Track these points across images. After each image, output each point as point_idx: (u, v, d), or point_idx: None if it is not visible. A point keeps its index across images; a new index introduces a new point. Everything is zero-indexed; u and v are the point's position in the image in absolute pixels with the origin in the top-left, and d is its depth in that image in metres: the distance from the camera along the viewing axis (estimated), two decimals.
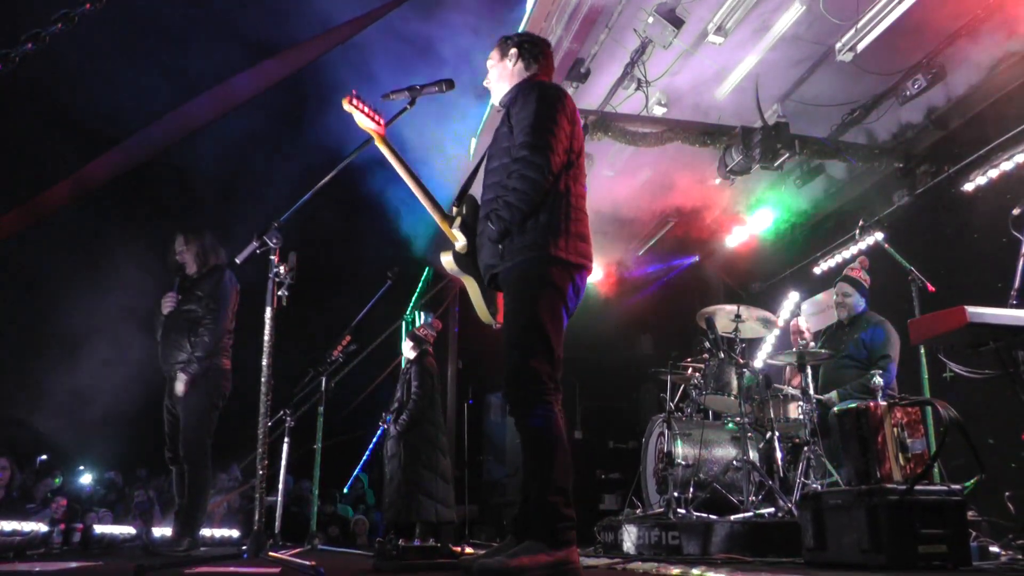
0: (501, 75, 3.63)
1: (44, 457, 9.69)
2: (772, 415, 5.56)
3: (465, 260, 3.56)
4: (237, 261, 3.61)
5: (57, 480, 9.60)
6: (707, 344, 6.11)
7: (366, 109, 3.78)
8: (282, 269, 3.61)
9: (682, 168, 7.90)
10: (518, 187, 3.22)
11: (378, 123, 3.80)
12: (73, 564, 4.21)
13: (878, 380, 4.65)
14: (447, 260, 3.62)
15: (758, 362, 7.55)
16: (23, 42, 3.18)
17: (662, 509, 5.51)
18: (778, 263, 8.61)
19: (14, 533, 5.29)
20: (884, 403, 4.34)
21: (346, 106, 3.77)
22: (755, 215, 8.15)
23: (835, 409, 5.06)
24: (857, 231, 6.27)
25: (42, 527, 5.86)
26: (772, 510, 5.01)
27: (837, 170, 7.78)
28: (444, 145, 7.64)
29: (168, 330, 5.58)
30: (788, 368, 6.25)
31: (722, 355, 5.95)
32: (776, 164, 6.78)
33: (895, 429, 4.26)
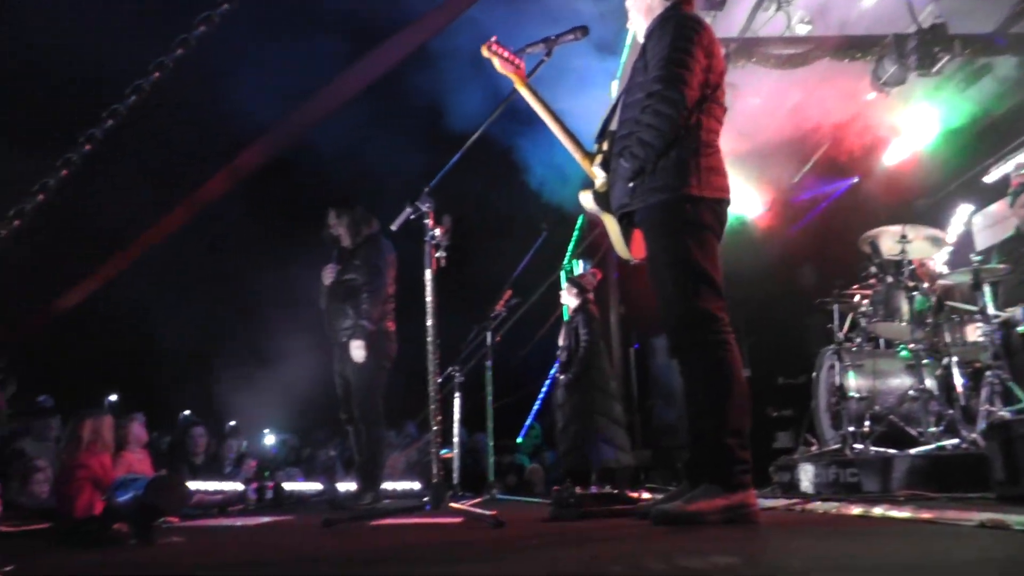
0: (641, 10, 3.58)
1: (232, 423, 10.51)
2: (948, 339, 5.31)
3: (604, 198, 3.61)
4: (393, 228, 3.79)
5: (244, 445, 10.42)
6: (873, 269, 5.88)
7: (506, 55, 3.86)
8: (438, 232, 3.76)
9: (832, 86, 7.51)
10: (652, 123, 3.21)
11: (518, 67, 3.88)
12: (268, 518, 4.62)
13: None
14: (585, 198, 3.68)
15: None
16: (173, 48, 3.42)
17: (838, 445, 5.39)
18: (944, 176, 8.07)
19: (216, 492, 5.82)
20: None
21: (485, 53, 3.87)
22: (915, 127, 7.66)
23: (1021, 328, 4.78)
24: None
25: (239, 486, 6.43)
26: (955, 442, 4.80)
27: (1006, 67, 7.17)
28: (585, 89, 7.61)
29: (331, 300, 5.99)
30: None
31: (889, 279, 5.71)
32: (935, 70, 6.33)
33: None
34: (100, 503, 3.89)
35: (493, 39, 3.87)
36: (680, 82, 3.18)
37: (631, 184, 3.31)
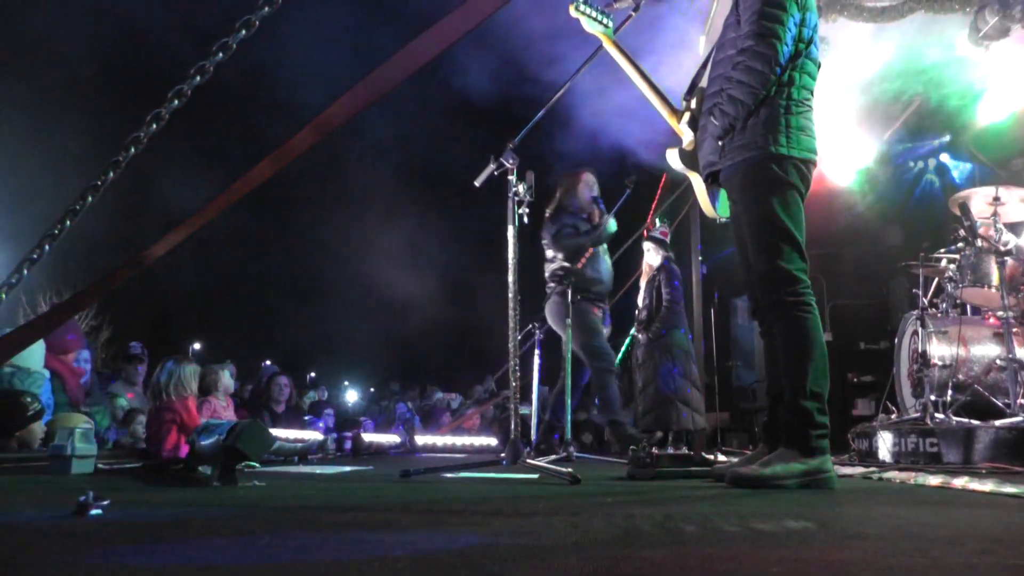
0: None
1: (313, 374, 10.82)
2: None
3: (691, 156, 3.59)
4: (476, 184, 3.82)
5: (321, 395, 10.71)
6: (962, 232, 5.68)
7: (593, 13, 3.85)
8: (521, 188, 3.77)
9: (928, 40, 7.22)
10: (744, 80, 3.17)
11: (606, 26, 3.87)
12: (348, 468, 4.76)
13: None
14: (672, 156, 3.67)
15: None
16: (213, 52, 3.50)
17: (918, 414, 5.26)
18: None
19: (297, 440, 6.02)
20: None
21: (573, 12, 3.87)
22: (1013, 83, 7.32)
23: None
24: None
25: (318, 435, 6.63)
26: None
27: None
28: (672, 47, 7.47)
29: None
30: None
31: (980, 243, 5.51)
32: None
33: None
34: (186, 445, 4.07)
35: None
36: (774, 37, 3.12)
37: (720, 143, 3.27)
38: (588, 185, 6.55)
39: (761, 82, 3.13)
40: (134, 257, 4.13)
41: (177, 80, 3.40)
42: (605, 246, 6.63)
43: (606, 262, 6.65)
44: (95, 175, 3.29)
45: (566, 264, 6.31)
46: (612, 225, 6.46)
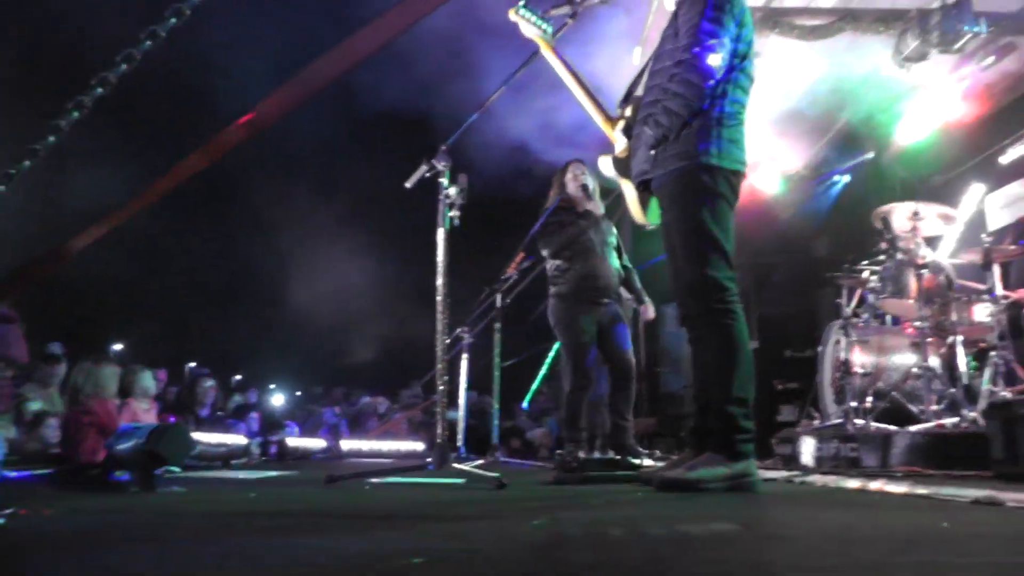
0: None
1: (239, 377, 10.61)
2: (955, 318, 5.30)
3: (624, 164, 3.62)
4: (407, 186, 3.79)
5: (248, 399, 10.51)
6: (884, 245, 5.86)
7: (533, 18, 3.86)
8: (452, 191, 3.75)
9: (855, 59, 7.43)
10: (679, 92, 3.21)
11: (545, 31, 3.88)
12: (272, 473, 4.68)
13: None
14: (605, 163, 3.70)
15: (941, 253, 7.14)
16: (142, 40, 3.41)
17: (840, 420, 5.42)
18: (960, 154, 8.01)
19: (220, 444, 5.89)
20: None
21: (512, 16, 3.87)
22: (933, 104, 7.59)
23: None
24: None
25: (243, 440, 6.50)
26: (956, 420, 4.80)
27: None
28: (606, 56, 7.53)
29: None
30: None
31: (900, 256, 5.69)
32: (957, 47, 6.26)
33: None
34: (104, 450, 3.94)
35: (521, 3, 3.85)
36: (709, 51, 3.16)
37: (652, 152, 3.30)
38: (575, 175, 5.93)
39: (696, 94, 3.18)
40: (52, 251, 3.99)
41: (101, 67, 3.28)
42: (612, 244, 5.93)
43: (608, 259, 5.83)
44: (8, 164, 3.16)
45: (556, 262, 5.83)
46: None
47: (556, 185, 6.00)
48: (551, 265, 5.87)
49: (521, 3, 3.86)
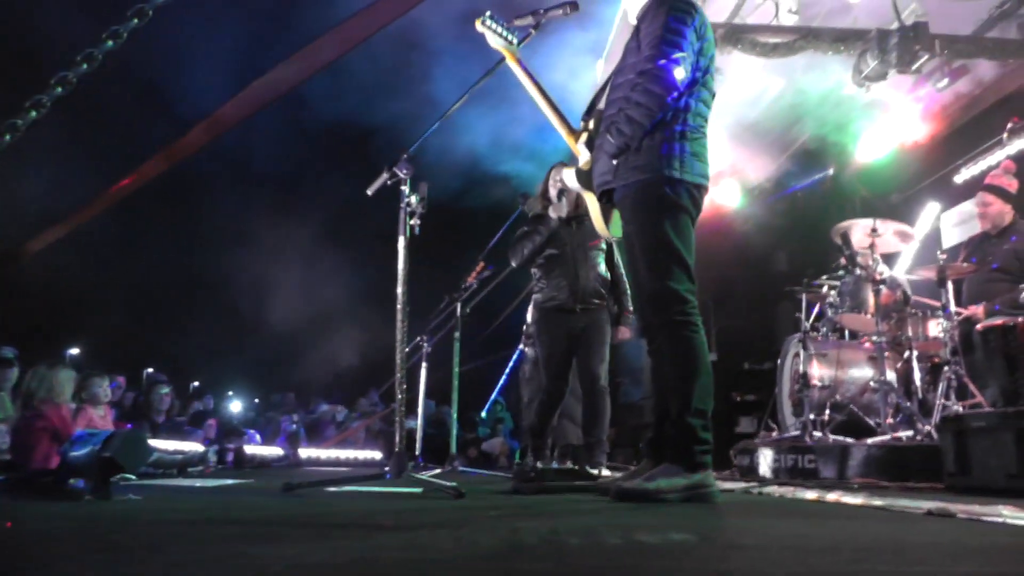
0: None
1: (196, 384, 10.46)
2: (910, 333, 5.40)
3: (587, 176, 3.63)
4: (368, 193, 3.77)
5: (205, 405, 10.37)
6: (843, 261, 5.95)
7: (499, 29, 3.86)
8: (413, 199, 3.73)
9: (816, 77, 7.56)
10: (641, 101, 3.22)
11: (510, 42, 3.88)
12: (229, 481, 4.61)
13: None
14: (569, 175, 3.71)
15: (899, 270, 7.28)
16: (103, 40, 3.37)
17: (798, 432, 5.48)
18: (916, 173, 8.18)
19: (176, 452, 5.80)
20: None
21: (479, 26, 3.87)
22: (892, 123, 7.74)
23: (979, 325, 4.86)
24: (1005, 134, 5.88)
25: (199, 447, 6.41)
26: (911, 433, 4.90)
27: (984, 69, 7.26)
28: (569, 69, 7.58)
29: None
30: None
31: (859, 272, 5.79)
32: (914, 68, 6.38)
33: None
34: (58, 456, 3.85)
35: (487, 13, 3.86)
36: (673, 64, 3.18)
37: (614, 161, 3.32)
38: (553, 180, 5.64)
39: (658, 104, 3.20)
40: (8, 252, 3.91)
41: (62, 66, 3.23)
42: (597, 248, 5.50)
43: (587, 264, 5.41)
44: None
45: (533, 270, 5.61)
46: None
47: (541, 190, 5.81)
48: (533, 272, 5.70)
49: (487, 13, 3.86)
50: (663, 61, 3.19)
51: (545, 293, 5.49)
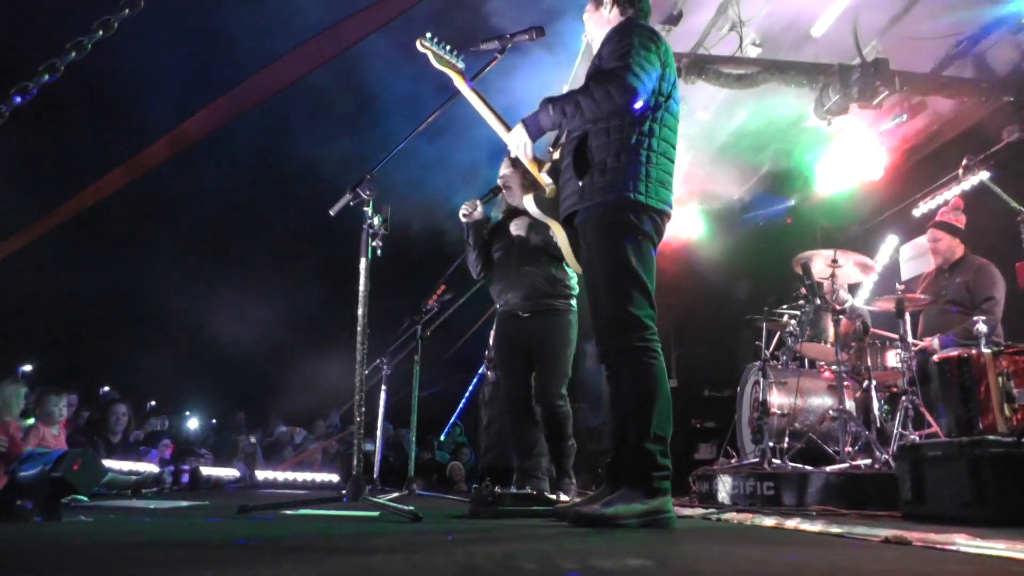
0: (598, 23, 3.58)
1: (153, 403, 10.27)
2: (869, 363, 5.47)
3: (550, 204, 3.60)
4: (331, 213, 3.73)
5: (163, 425, 10.18)
6: (803, 290, 6.02)
7: (439, 51, 3.80)
8: (376, 220, 3.70)
9: (779, 109, 7.69)
10: (598, 97, 3.17)
11: (453, 64, 3.81)
12: (184, 503, 4.52)
13: (982, 327, 4.53)
14: (529, 202, 3.67)
15: (859, 300, 7.38)
16: (67, 51, 3.34)
17: (757, 459, 5.51)
18: (876, 206, 8.33)
19: (131, 473, 5.68)
20: (988, 351, 4.23)
21: (420, 47, 3.81)
22: (853, 156, 7.88)
23: (935, 356, 4.93)
24: (960, 170, 6.00)
25: (154, 468, 6.28)
26: (868, 461, 4.94)
27: (941, 106, 7.44)
28: (537, 95, 7.60)
29: None
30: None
31: (819, 301, 5.86)
32: (875, 102, 6.54)
33: (1000, 378, 4.16)
34: (6, 476, 3.75)
35: (427, 35, 3.80)
36: (639, 73, 3.16)
37: (580, 183, 3.27)
38: (502, 173, 4.88)
39: (610, 109, 3.16)
40: None
41: (24, 76, 3.18)
42: (535, 244, 4.67)
43: (522, 263, 4.74)
44: None
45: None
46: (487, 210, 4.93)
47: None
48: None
49: (427, 34, 3.80)
50: (630, 68, 3.17)
51: (496, 299, 4.99)
